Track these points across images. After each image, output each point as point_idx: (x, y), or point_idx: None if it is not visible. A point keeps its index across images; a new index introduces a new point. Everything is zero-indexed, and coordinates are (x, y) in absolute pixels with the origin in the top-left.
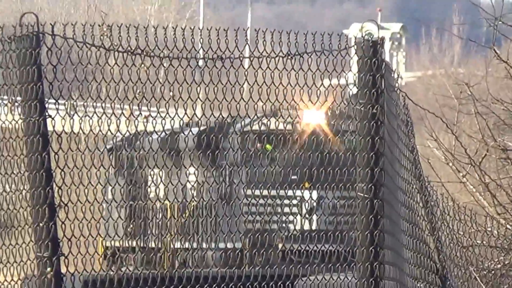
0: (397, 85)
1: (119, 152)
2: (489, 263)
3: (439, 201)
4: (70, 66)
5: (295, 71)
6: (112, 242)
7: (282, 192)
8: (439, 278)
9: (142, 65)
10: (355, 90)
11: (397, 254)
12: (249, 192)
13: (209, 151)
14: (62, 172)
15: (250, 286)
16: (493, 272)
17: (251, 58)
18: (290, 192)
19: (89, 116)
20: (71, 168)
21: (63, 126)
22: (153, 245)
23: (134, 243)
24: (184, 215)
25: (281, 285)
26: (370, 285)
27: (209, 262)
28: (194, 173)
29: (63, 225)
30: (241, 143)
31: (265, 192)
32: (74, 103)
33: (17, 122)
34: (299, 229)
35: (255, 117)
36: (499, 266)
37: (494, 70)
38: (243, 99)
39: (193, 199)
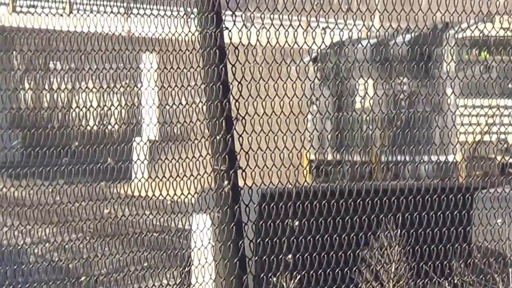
0: None
1: (324, 62)
2: None
3: None
4: None
5: None
6: (317, 155)
7: (499, 102)
8: None
9: None
10: None
11: None
12: (464, 102)
13: (422, 60)
14: (239, 85)
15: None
16: None
17: None
18: (508, 102)
19: (266, 28)
20: (248, 80)
21: (240, 38)
22: (361, 158)
23: (340, 156)
24: (395, 127)
25: (461, 197)
26: None
27: (421, 174)
28: (405, 83)
29: (240, 138)
30: (455, 51)
31: (481, 102)
32: (251, 14)
33: (193, 34)
34: None
35: (471, 22)
36: None
37: None
38: (421, 10)
39: (404, 110)
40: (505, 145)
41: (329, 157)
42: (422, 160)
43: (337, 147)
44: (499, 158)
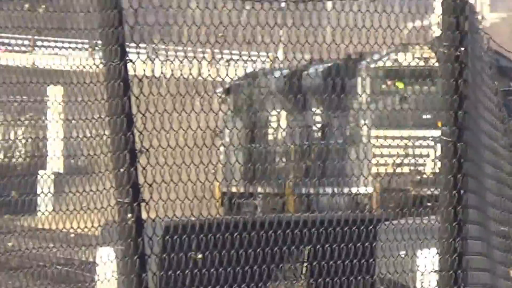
0: (481, 27)
1: (236, 94)
2: None
3: None
4: (151, 9)
5: (378, 13)
6: (230, 188)
7: (414, 133)
8: None
9: (224, 8)
10: (438, 32)
11: (481, 198)
12: (378, 133)
13: (336, 91)
14: (143, 117)
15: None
16: None
17: (334, 1)
18: (423, 133)
19: (170, 60)
20: (152, 112)
21: (144, 70)
22: (275, 191)
23: (254, 188)
24: (308, 159)
25: (364, 230)
26: (454, 229)
27: (334, 206)
28: (318, 114)
29: (144, 171)
30: (369, 81)
31: (395, 133)
32: (155, 47)
33: (97, 66)
34: (433, 172)
35: (385, 53)
36: None
37: None
38: (325, 42)
39: (318, 142)
40: (419, 177)
41: (242, 190)
42: (335, 192)
43: (250, 180)
44: (412, 189)
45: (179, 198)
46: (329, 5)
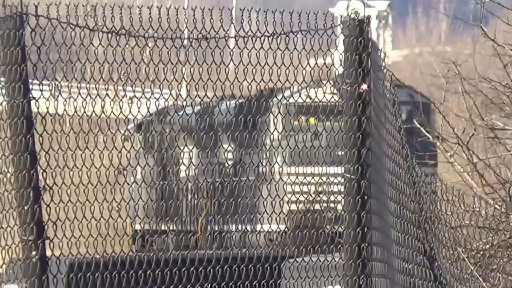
0: (383, 64)
1: (146, 130)
2: (478, 244)
3: (426, 181)
4: (54, 47)
5: (281, 50)
6: (142, 225)
7: (327, 170)
8: (427, 259)
9: (127, 46)
10: (341, 69)
11: (384, 235)
12: (291, 170)
13: (247, 128)
14: (47, 155)
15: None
16: (481, 252)
17: (237, 38)
18: (336, 170)
19: (73, 98)
20: (56, 150)
21: (47, 108)
22: (187, 228)
23: (166, 225)
24: (221, 195)
25: (268, 267)
26: (358, 267)
27: (248, 244)
28: (230, 151)
29: (48, 208)
30: (281, 118)
31: (309, 170)
32: (58, 84)
33: (0, 104)
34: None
35: (297, 88)
36: (487, 246)
37: (482, 48)
38: (228, 80)
39: (230, 179)
40: (333, 214)
41: (154, 227)
42: (248, 230)
43: (162, 217)
44: (327, 227)
45: (83, 236)
46: (232, 42)
